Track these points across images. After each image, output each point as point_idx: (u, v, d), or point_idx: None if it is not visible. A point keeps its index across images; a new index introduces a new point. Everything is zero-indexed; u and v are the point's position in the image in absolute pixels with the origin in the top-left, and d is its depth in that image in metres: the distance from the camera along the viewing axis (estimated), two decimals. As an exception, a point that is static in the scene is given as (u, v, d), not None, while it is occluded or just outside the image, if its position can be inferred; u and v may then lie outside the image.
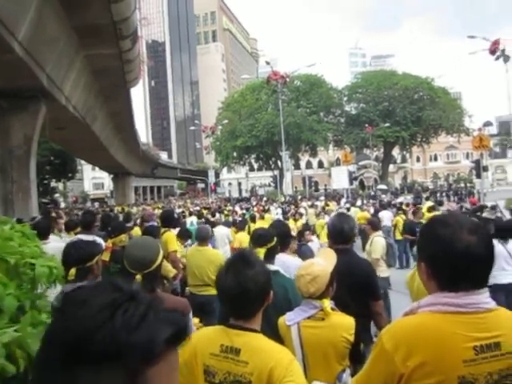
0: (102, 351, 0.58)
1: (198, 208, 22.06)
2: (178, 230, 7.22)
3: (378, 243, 6.82)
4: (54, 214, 13.20)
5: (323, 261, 2.52)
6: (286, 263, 3.40)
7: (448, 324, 1.33)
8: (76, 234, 5.39)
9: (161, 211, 11.09)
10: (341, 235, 3.33)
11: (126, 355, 0.58)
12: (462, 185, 55.97)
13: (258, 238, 3.21)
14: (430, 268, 1.42)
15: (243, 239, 7.84)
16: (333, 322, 2.35)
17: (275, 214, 16.64)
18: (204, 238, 5.42)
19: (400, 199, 30.03)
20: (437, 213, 10.05)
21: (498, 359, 1.31)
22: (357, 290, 2.91)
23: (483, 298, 1.36)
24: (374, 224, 7.46)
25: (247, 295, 1.71)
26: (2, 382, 2.07)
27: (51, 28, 12.42)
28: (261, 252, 2.95)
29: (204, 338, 1.81)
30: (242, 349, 1.68)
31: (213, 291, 4.64)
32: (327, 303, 2.36)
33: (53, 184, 45.64)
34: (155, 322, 0.63)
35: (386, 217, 13.54)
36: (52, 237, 4.91)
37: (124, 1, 12.92)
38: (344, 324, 2.37)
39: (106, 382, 0.58)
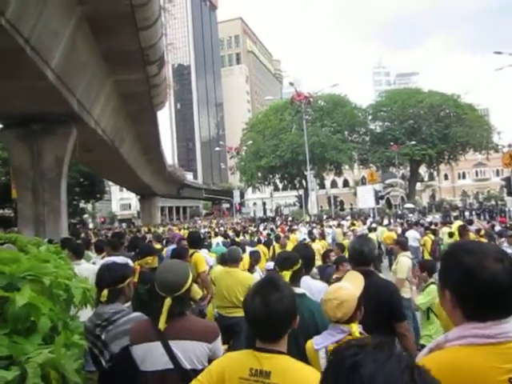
0: None
1: (222, 228, 22.15)
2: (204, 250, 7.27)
3: (403, 263, 6.70)
4: (83, 235, 13.51)
5: (351, 285, 2.50)
6: (310, 286, 3.39)
7: (481, 358, 1.27)
8: (105, 255, 5.49)
9: (187, 232, 11.18)
10: (361, 257, 3.33)
11: None
12: (493, 202, 54.44)
13: (283, 262, 3.21)
14: (455, 297, 1.37)
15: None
16: None
17: (303, 233, 16.51)
18: (235, 260, 5.41)
19: (428, 218, 29.42)
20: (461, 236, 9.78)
21: None
22: (380, 312, 2.87)
23: (511, 326, 1.31)
24: (402, 244, 7.34)
25: (274, 318, 1.72)
26: (36, 403, 2.11)
27: (82, 55, 12.92)
28: (286, 275, 2.94)
29: (232, 362, 1.80)
30: (272, 371, 1.68)
31: (242, 313, 4.63)
32: (355, 328, 2.33)
33: (82, 205, 46.70)
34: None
35: (412, 236, 13.26)
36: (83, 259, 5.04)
37: (151, 28, 13.34)
38: None
39: None
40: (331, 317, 2.36)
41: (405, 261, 6.73)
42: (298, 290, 2.73)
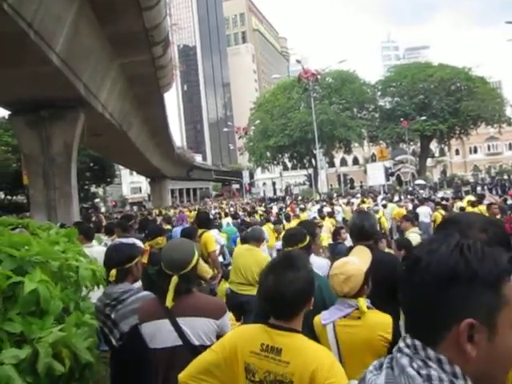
0: (463, 276, 0.80)
1: (232, 209, 22.24)
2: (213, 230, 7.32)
3: (411, 239, 6.71)
4: (94, 219, 13.67)
5: (358, 259, 2.50)
6: (311, 262, 3.39)
7: None
8: (117, 237, 5.56)
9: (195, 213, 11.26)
10: (361, 232, 3.32)
11: (483, 275, 0.80)
12: (506, 177, 53.77)
13: (289, 238, 3.22)
14: None
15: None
16: (369, 320, 2.32)
17: (313, 212, 16.50)
18: (256, 239, 5.44)
19: (440, 194, 29.21)
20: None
21: None
22: (384, 286, 2.87)
23: None
24: (411, 220, 7.32)
25: (285, 298, 1.71)
26: (51, 381, 2.17)
27: (86, 39, 12.85)
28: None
29: (245, 335, 1.82)
30: (283, 348, 1.68)
31: (254, 291, 4.67)
32: (363, 302, 2.34)
33: (93, 189, 47.13)
34: (493, 252, 0.84)
35: (424, 212, 13.19)
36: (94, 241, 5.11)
37: (155, 8, 13.20)
38: (381, 322, 2.34)
39: (476, 295, 0.80)
40: (338, 291, 2.37)
41: (413, 237, 6.73)
42: None
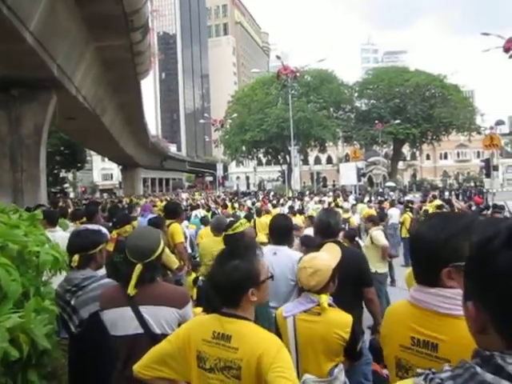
0: None
1: (203, 201, 22.14)
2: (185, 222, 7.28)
3: (378, 234, 6.97)
4: (61, 204, 13.37)
5: (327, 255, 2.54)
6: (290, 256, 3.44)
7: (402, 310, 1.57)
8: (81, 223, 5.45)
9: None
10: (328, 229, 3.41)
11: None
12: (472, 184, 55.44)
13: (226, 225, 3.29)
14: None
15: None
16: (328, 317, 2.36)
17: (285, 208, 16.59)
18: (220, 229, 5.42)
19: (408, 197, 29.86)
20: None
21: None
22: (349, 280, 2.95)
23: (436, 300, 1.46)
24: (372, 220, 7.53)
25: (228, 284, 1.74)
26: (6, 367, 2.12)
27: (62, 18, 12.50)
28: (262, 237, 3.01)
29: (198, 325, 1.85)
30: (232, 335, 1.71)
31: None
32: (325, 298, 2.37)
33: (62, 174, 46.00)
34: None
35: (394, 214, 13.47)
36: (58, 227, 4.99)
37: (136, -8, 12.96)
38: (339, 321, 2.38)
39: None
40: (304, 285, 2.40)
41: (379, 232, 7.00)
42: None
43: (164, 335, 2.18)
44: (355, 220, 11.96)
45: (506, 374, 0.71)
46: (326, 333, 2.33)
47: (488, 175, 19.84)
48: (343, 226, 7.77)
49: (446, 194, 38.17)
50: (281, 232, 3.61)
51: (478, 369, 0.74)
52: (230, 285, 1.74)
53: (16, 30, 10.32)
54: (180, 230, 5.74)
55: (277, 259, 3.34)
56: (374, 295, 3.37)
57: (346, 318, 2.41)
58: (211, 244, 5.31)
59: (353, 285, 3.12)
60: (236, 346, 1.69)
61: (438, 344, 1.39)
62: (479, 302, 0.82)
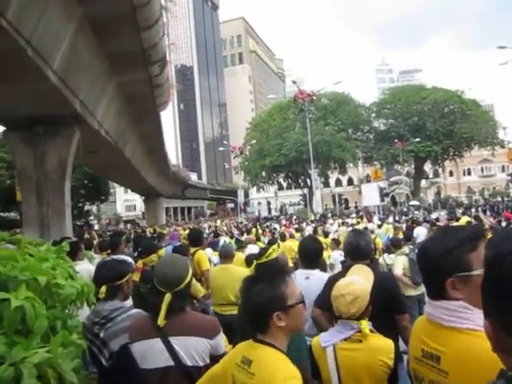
0: None
1: (225, 228, 22.14)
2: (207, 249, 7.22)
3: (398, 260, 6.84)
4: (87, 236, 13.51)
5: (361, 279, 2.43)
6: (322, 278, 3.34)
7: (418, 325, 1.63)
8: (107, 255, 5.44)
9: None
10: (358, 251, 3.27)
11: None
12: (499, 199, 54.08)
13: (257, 254, 3.22)
14: None
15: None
16: (371, 344, 2.23)
17: (307, 231, 16.44)
18: (226, 256, 5.33)
19: (433, 215, 29.25)
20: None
21: None
22: (381, 306, 2.78)
23: (438, 312, 1.47)
24: (394, 243, 7.33)
25: (253, 308, 1.76)
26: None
27: (84, 56, 12.89)
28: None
29: (236, 349, 1.90)
30: (254, 360, 1.71)
31: (235, 311, 4.55)
32: (365, 324, 2.25)
33: (87, 207, 46.81)
34: None
35: (421, 233, 13.18)
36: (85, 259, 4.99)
37: (153, 28, 13.31)
38: (383, 347, 2.25)
39: None
40: (343, 313, 2.27)
41: (398, 258, 6.87)
42: None
43: (195, 367, 2.11)
44: (380, 241, 11.71)
45: None
46: (370, 360, 2.20)
47: (516, 189, 19.28)
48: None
49: (473, 210, 37.29)
50: (311, 255, 3.52)
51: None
52: (255, 309, 1.75)
53: (40, 69, 10.65)
54: (206, 257, 5.69)
55: (309, 284, 3.23)
56: (409, 322, 3.10)
57: (389, 344, 2.28)
58: (219, 272, 5.22)
59: (384, 309, 2.94)
60: (254, 371, 1.69)
61: (441, 356, 1.41)
62: (496, 321, 0.78)
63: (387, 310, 2.98)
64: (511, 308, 0.74)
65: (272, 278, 1.80)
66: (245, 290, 1.81)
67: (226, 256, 5.32)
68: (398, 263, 6.82)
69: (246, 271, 5.10)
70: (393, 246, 7.43)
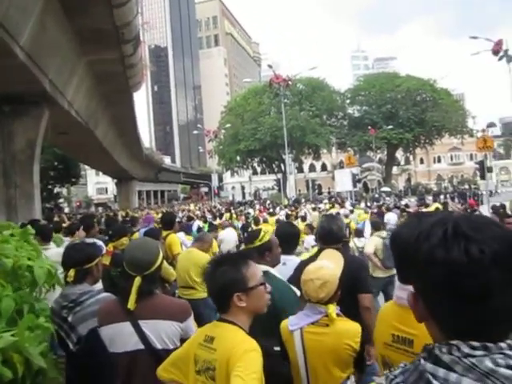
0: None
1: (198, 212, 22.05)
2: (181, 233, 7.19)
3: (372, 240, 7.01)
4: (56, 219, 13.23)
5: (331, 263, 2.45)
6: (297, 264, 3.35)
7: (386, 310, 1.69)
8: (77, 238, 5.35)
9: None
10: (330, 236, 3.31)
11: None
12: (467, 186, 55.68)
13: (246, 238, 3.21)
14: None
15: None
16: (337, 328, 2.27)
17: (281, 216, 16.54)
18: (198, 239, 5.29)
19: (404, 201, 29.89)
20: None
21: None
22: (348, 286, 2.83)
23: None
24: (376, 225, 7.49)
25: (215, 289, 1.84)
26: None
27: (53, 33, 12.46)
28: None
29: (199, 330, 1.94)
30: (215, 337, 1.78)
31: (198, 295, 4.56)
32: (332, 309, 2.28)
33: (57, 189, 45.71)
34: None
35: (392, 219, 13.46)
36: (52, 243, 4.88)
37: (126, 5, 12.97)
38: (349, 331, 2.29)
39: None
40: (312, 297, 2.29)
41: (374, 239, 7.07)
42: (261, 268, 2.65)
43: (165, 350, 2.11)
44: (354, 225, 11.90)
45: (443, 363, 0.77)
46: (336, 344, 2.24)
47: (483, 177, 19.85)
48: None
49: (441, 197, 38.27)
50: (288, 240, 3.51)
51: (422, 360, 0.80)
52: (217, 289, 1.83)
53: (7, 45, 10.27)
54: (177, 240, 5.65)
55: (286, 269, 3.23)
56: (371, 304, 3.17)
57: (356, 328, 2.32)
58: (183, 256, 5.18)
59: (350, 293, 2.97)
60: (215, 347, 1.75)
61: (414, 340, 1.45)
62: (417, 292, 0.86)
63: (353, 292, 3.01)
64: (419, 279, 0.83)
65: (234, 261, 1.87)
66: (209, 272, 1.86)
67: (198, 239, 5.29)
68: (371, 243, 6.99)
69: (206, 256, 5.05)
70: (373, 228, 7.57)
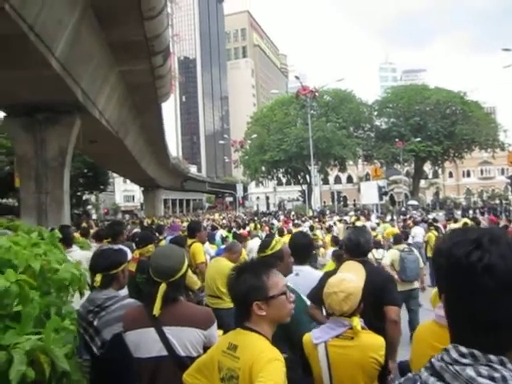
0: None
1: (225, 221, 22.12)
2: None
3: (390, 252, 7.21)
4: (84, 225, 13.49)
5: (353, 276, 2.42)
6: (312, 276, 3.34)
7: (425, 331, 1.57)
8: (108, 243, 5.43)
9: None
10: (357, 248, 3.28)
11: None
12: (497, 201, 54.13)
13: (259, 246, 3.20)
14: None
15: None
16: (362, 341, 2.24)
17: (305, 227, 16.42)
18: (227, 250, 5.29)
19: (431, 216, 29.29)
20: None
21: None
22: (374, 299, 2.76)
23: None
24: (396, 238, 7.74)
25: (236, 297, 1.85)
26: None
27: (87, 44, 12.84)
28: None
29: (223, 337, 1.95)
30: (239, 345, 1.77)
31: (224, 304, 4.51)
32: (357, 321, 2.25)
33: (85, 196, 46.74)
34: None
35: (418, 233, 13.21)
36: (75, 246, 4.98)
37: (157, 18, 13.25)
38: (374, 344, 2.25)
39: None
40: (336, 310, 2.27)
41: (392, 251, 7.29)
42: None
43: (188, 357, 2.11)
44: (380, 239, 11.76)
45: (435, 371, 0.82)
46: (362, 357, 2.20)
47: (515, 192, 19.25)
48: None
49: (470, 212, 37.32)
50: (301, 251, 3.48)
51: (422, 369, 0.85)
52: (238, 297, 1.84)
53: (43, 56, 10.61)
54: (201, 249, 5.66)
55: (299, 280, 3.20)
56: (397, 316, 3.07)
57: (380, 341, 2.28)
58: (211, 264, 5.17)
59: (374, 305, 2.91)
60: (238, 355, 1.74)
61: None
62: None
63: (378, 305, 2.94)
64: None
65: (256, 269, 1.87)
66: (231, 279, 1.88)
67: (227, 249, 5.25)
68: (389, 255, 7.15)
69: (230, 266, 5.01)
70: (394, 241, 7.74)
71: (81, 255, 3.97)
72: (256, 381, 1.59)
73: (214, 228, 14.83)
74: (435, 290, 2.44)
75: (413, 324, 6.40)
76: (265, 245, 3.09)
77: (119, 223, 7.56)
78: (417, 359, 1.56)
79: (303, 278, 3.27)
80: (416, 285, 6.94)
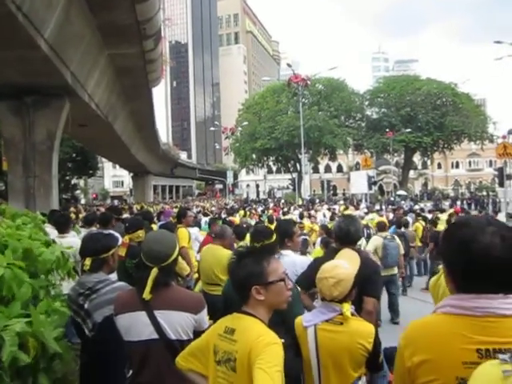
0: None
1: (214, 208, 22.12)
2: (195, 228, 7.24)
3: (373, 239, 7.54)
4: (73, 209, 13.41)
5: (347, 263, 2.46)
6: (294, 261, 3.48)
7: (449, 325, 1.33)
8: (97, 229, 5.42)
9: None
10: (347, 237, 3.32)
11: None
12: (484, 193, 54.82)
13: (255, 234, 3.22)
14: (448, 270, 1.41)
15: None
16: (351, 327, 2.28)
17: (294, 215, 16.50)
18: (219, 236, 5.28)
19: (419, 206, 29.57)
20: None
21: None
22: (359, 287, 2.79)
23: (498, 303, 1.27)
24: (380, 226, 7.98)
25: (236, 281, 1.90)
26: (16, 372, 2.07)
27: (76, 26, 12.61)
28: None
29: (218, 322, 1.96)
30: (236, 329, 1.81)
31: (220, 291, 4.57)
32: (347, 307, 2.29)
33: (74, 181, 46.36)
34: None
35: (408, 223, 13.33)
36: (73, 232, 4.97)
37: (148, 1, 13.04)
38: (363, 331, 2.30)
39: None
40: (326, 295, 2.32)
41: (376, 239, 7.63)
42: None
43: (179, 341, 2.14)
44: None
45: None
46: (350, 343, 2.24)
47: (501, 184, 19.52)
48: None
49: (458, 203, 37.77)
50: (282, 236, 3.61)
51: None
52: (238, 281, 1.88)
53: (31, 37, 10.42)
54: (185, 234, 5.68)
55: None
56: (374, 308, 3.06)
57: (370, 328, 2.32)
58: (206, 251, 5.17)
59: (360, 294, 2.93)
60: (236, 338, 1.78)
61: None
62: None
63: (361, 292, 2.97)
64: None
65: (257, 255, 1.91)
66: (232, 263, 1.91)
67: (218, 236, 5.19)
68: (372, 242, 7.49)
69: (228, 254, 5.01)
70: (378, 228, 8.01)
71: (73, 242, 3.96)
72: (255, 364, 1.62)
73: (205, 215, 14.88)
74: (435, 279, 2.41)
75: (393, 307, 7.12)
76: (265, 235, 3.14)
77: (116, 210, 7.54)
78: (446, 361, 1.31)
79: (284, 262, 3.31)
80: (395, 270, 7.46)
